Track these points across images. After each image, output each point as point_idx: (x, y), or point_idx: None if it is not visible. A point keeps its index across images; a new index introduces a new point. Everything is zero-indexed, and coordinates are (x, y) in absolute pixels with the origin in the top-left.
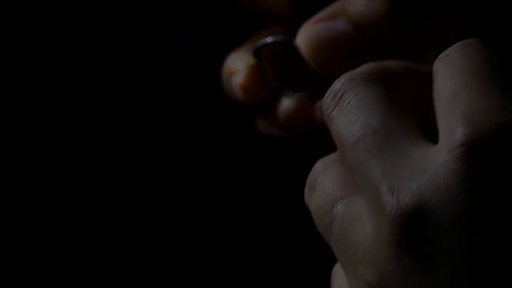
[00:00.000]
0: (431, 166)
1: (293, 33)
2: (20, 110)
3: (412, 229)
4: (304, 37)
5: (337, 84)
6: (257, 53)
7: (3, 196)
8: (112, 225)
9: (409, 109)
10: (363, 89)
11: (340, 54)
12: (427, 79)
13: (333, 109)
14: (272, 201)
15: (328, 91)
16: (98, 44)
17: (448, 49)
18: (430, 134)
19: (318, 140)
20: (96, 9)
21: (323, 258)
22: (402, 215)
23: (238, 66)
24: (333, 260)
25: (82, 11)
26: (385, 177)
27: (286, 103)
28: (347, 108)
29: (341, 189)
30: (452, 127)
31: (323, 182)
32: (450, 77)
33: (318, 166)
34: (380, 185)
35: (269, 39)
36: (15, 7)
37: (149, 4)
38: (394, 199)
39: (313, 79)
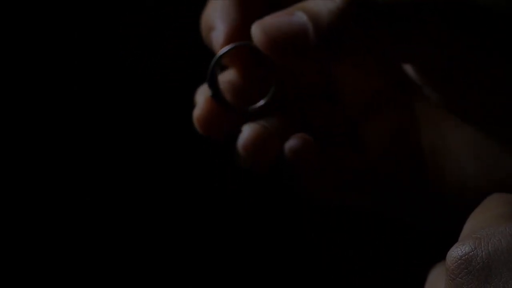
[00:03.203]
0: None
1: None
2: (20, 109)
3: None
4: (260, 28)
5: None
6: (212, 77)
7: (3, 196)
8: (112, 224)
9: None
10: None
11: (299, 46)
12: None
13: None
14: (271, 201)
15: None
16: (98, 44)
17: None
18: None
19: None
20: (96, 9)
21: (323, 257)
22: None
23: (198, 97)
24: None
25: (82, 11)
26: None
27: (241, 141)
28: None
29: None
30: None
31: None
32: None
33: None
34: None
35: (221, 51)
36: (15, 7)
37: (149, 4)
38: None
39: (275, 89)
